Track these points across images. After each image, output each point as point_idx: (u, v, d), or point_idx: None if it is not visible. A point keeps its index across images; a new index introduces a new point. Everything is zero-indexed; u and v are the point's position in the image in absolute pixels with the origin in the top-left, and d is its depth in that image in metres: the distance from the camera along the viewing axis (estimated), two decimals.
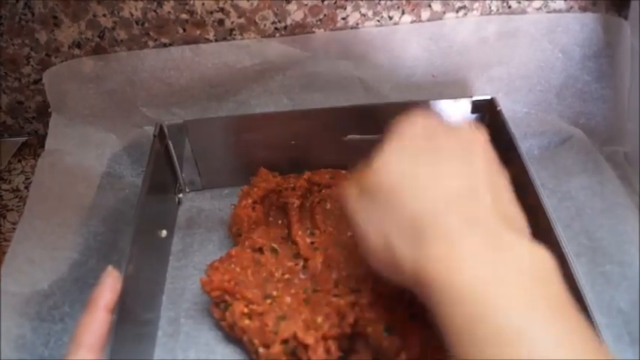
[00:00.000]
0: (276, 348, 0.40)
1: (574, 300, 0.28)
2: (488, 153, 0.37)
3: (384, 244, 0.33)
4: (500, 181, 0.35)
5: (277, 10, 0.57)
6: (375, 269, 0.35)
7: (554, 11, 0.58)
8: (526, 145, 0.55)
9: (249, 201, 0.51)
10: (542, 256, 0.30)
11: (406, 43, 0.58)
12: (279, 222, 0.51)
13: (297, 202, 0.52)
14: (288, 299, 0.43)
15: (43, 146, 0.58)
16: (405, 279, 0.32)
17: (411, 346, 0.39)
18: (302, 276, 0.45)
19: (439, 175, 0.34)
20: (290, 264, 0.46)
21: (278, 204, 0.52)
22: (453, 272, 0.29)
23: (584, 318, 0.28)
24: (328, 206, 0.51)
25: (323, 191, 0.53)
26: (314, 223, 0.50)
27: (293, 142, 0.55)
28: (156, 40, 0.58)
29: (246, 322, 0.42)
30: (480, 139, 0.37)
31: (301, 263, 0.46)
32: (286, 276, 0.45)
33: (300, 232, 0.48)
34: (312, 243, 0.48)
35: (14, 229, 0.50)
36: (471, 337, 0.27)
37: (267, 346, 0.40)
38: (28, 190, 0.53)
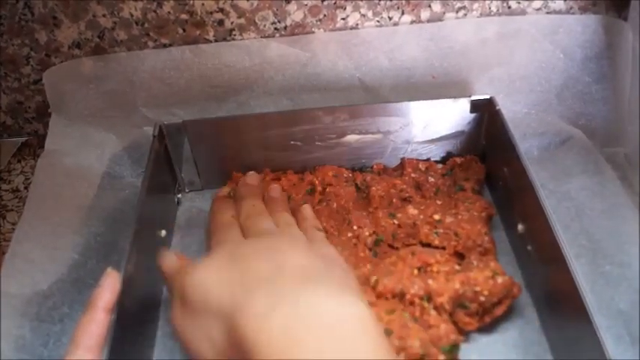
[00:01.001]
0: None
1: (575, 299, 0.28)
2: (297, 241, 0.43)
3: (209, 346, 0.35)
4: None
5: (277, 10, 0.57)
6: None
7: (554, 12, 0.58)
8: (526, 146, 0.55)
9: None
10: (354, 309, 0.33)
11: (406, 44, 0.58)
12: None
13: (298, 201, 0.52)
14: None
15: (42, 146, 0.58)
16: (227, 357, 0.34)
17: (410, 347, 0.39)
18: None
19: (244, 269, 0.36)
20: None
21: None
22: (264, 329, 0.31)
23: None
24: (335, 205, 0.51)
25: (327, 189, 0.53)
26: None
27: (292, 142, 0.55)
28: (156, 40, 0.58)
29: None
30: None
31: None
32: None
33: None
34: None
35: (14, 229, 0.50)
36: None
37: None
38: (27, 191, 0.53)
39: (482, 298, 0.42)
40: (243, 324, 0.32)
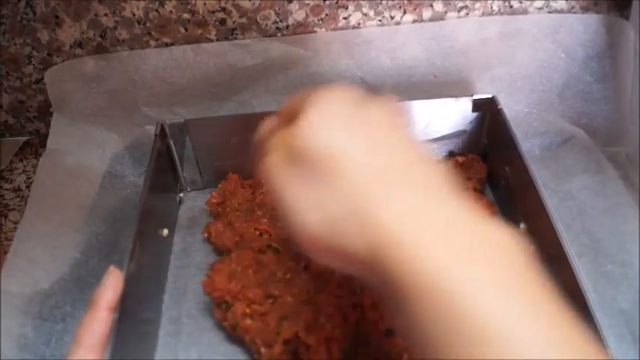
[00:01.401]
0: (278, 348, 0.40)
1: (577, 298, 0.28)
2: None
3: (327, 229, 0.28)
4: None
5: (279, 9, 0.57)
6: (312, 256, 0.29)
7: (556, 11, 0.58)
8: (527, 145, 0.55)
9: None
10: (515, 237, 0.26)
11: (408, 43, 0.58)
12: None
13: None
14: (289, 299, 0.43)
15: (44, 146, 0.58)
16: (359, 269, 0.27)
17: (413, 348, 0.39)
18: (304, 276, 0.45)
19: (373, 145, 0.29)
20: (291, 263, 0.46)
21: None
22: (418, 259, 0.25)
23: (564, 306, 0.25)
24: None
25: None
26: None
27: None
28: (157, 39, 0.58)
29: (248, 322, 0.42)
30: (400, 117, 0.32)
31: (302, 263, 0.46)
32: (288, 275, 0.45)
33: None
34: None
35: (16, 228, 0.50)
36: (448, 336, 0.23)
37: (269, 346, 0.40)
38: (29, 190, 0.53)
39: None
40: (385, 224, 0.26)
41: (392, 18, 0.58)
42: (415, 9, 0.58)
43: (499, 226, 0.26)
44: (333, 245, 0.28)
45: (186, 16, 0.57)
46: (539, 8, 0.58)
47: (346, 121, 0.29)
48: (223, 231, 0.50)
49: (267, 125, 0.35)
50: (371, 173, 0.28)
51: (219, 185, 0.55)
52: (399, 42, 0.58)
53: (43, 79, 0.59)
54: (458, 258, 0.25)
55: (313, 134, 0.29)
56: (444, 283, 0.24)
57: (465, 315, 0.23)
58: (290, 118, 0.31)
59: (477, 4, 0.58)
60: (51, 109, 0.60)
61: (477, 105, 0.53)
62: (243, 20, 0.57)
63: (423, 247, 0.25)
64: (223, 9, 0.56)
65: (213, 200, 0.54)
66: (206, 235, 0.51)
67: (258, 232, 0.49)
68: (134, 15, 0.56)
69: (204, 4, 0.56)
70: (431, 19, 0.58)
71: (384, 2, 0.57)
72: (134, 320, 0.40)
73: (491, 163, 0.55)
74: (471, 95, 0.53)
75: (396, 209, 0.26)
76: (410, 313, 0.25)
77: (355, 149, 0.28)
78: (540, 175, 0.46)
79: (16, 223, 0.56)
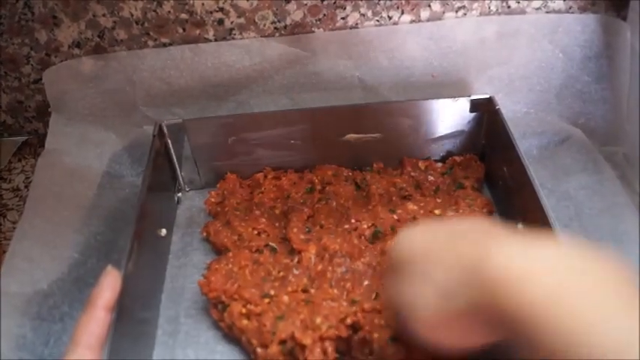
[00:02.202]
0: (274, 348, 0.40)
1: None
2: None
3: (442, 304, 0.32)
4: None
5: (277, 9, 0.57)
6: (435, 340, 0.33)
7: (554, 11, 0.58)
8: (525, 145, 0.55)
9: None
10: (618, 265, 0.29)
11: (405, 43, 0.58)
12: (282, 223, 0.51)
13: (298, 200, 0.52)
14: (285, 298, 0.43)
15: (43, 145, 0.58)
16: (481, 323, 0.30)
17: (416, 355, 0.39)
18: (295, 271, 0.45)
19: (452, 228, 0.35)
20: (286, 261, 0.46)
21: (283, 207, 0.52)
22: (533, 281, 0.28)
23: None
24: (334, 204, 0.51)
25: (327, 188, 0.53)
26: (316, 220, 0.50)
27: (292, 142, 0.55)
28: (155, 39, 0.58)
29: (245, 322, 0.42)
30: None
31: (295, 259, 0.46)
32: (281, 273, 0.45)
33: (295, 230, 0.48)
34: (306, 234, 0.48)
35: (14, 228, 0.50)
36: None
37: (264, 346, 0.40)
38: (28, 190, 0.53)
39: None
40: (496, 258, 0.29)
41: (390, 18, 0.58)
42: (413, 9, 0.58)
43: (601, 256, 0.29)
44: (451, 315, 0.31)
45: (184, 16, 0.57)
46: (537, 8, 0.58)
47: (432, 235, 0.35)
48: (222, 230, 0.50)
49: None
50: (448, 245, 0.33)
51: (218, 185, 0.56)
52: (396, 42, 0.58)
53: (41, 79, 0.60)
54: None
55: (402, 245, 0.35)
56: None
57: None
58: None
59: (475, 4, 0.58)
60: (49, 109, 0.60)
61: (475, 105, 0.53)
62: (241, 20, 0.57)
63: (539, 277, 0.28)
64: (221, 9, 0.56)
65: (212, 200, 0.55)
66: (205, 234, 0.52)
67: (256, 232, 0.49)
68: (132, 15, 0.57)
69: (202, 4, 0.56)
70: (429, 20, 0.59)
71: (381, 2, 0.57)
72: (132, 320, 0.40)
73: (489, 163, 0.55)
74: (469, 95, 0.53)
75: (499, 255, 0.29)
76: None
77: (441, 249, 0.33)
78: (538, 174, 0.46)
79: (14, 222, 0.56)
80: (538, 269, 0.28)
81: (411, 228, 0.36)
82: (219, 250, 0.50)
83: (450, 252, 0.32)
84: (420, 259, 0.34)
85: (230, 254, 0.47)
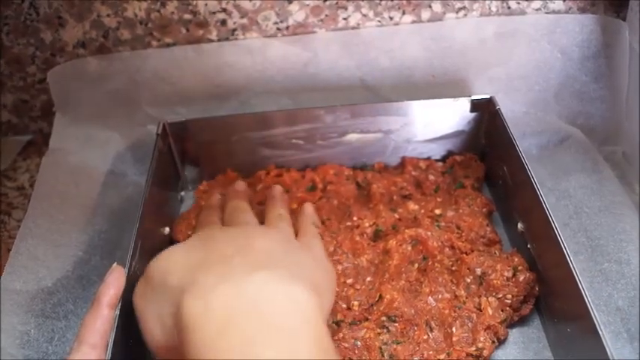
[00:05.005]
0: None
1: (575, 296, 0.28)
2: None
3: (165, 336, 0.34)
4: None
5: (279, 10, 0.57)
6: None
7: (553, 12, 0.59)
8: (525, 145, 0.55)
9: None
10: (299, 296, 0.32)
11: (406, 44, 0.59)
12: None
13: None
14: None
15: (47, 145, 0.58)
16: (174, 340, 0.33)
17: None
18: None
19: (208, 251, 0.37)
20: None
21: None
22: (206, 312, 0.31)
23: None
24: (335, 202, 0.52)
25: (328, 187, 0.54)
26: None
27: (294, 141, 0.55)
28: (159, 40, 0.59)
29: None
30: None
31: None
32: None
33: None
34: None
35: (19, 226, 0.50)
36: None
37: None
38: (32, 189, 0.54)
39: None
40: (184, 301, 0.32)
41: (391, 19, 0.59)
42: (414, 10, 0.58)
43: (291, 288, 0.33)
44: (174, 347, 0.33)
45: (187, 16, 0.57)
46: (537, 9, 0.59)
47: (187, 248, 0.38)
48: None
49: None
50: (185, 276, 0.34)
51: (217, 178, 0.56)
52: (398, 42, 0.59)
53: (46, 79, 0.60)
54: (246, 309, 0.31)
55: (156, 264, 0.37)
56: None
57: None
58: None
59: (475, 5, 0.58)
60: (54, 109, 0.60)
61: (475, 105, 0.54)
62: (244, 21, 0.58)
63: (213, 308, 0.31)
64: (224, 10, 0.57)
65: (201, 188, 0.56)
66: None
67: None
68: (136, 16, 0.57)
69: (206, 4, 0.56)
70: (429, 20, 0.59)
71: (383, 3, 0.58)
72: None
73: (489, 163, 0.55)
74: (469, 96, 0.53)
75: (197, 290, 0.32)
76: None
77: (183, 258, 0.36)
78: (537, 174, 0.46)
79: (19, 221, 0.56)
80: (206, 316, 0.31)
81: (171, 249, 0.38)
82: None
83: (170, 288, 0.34)
84: (161, 285, 0.35)
85: None
